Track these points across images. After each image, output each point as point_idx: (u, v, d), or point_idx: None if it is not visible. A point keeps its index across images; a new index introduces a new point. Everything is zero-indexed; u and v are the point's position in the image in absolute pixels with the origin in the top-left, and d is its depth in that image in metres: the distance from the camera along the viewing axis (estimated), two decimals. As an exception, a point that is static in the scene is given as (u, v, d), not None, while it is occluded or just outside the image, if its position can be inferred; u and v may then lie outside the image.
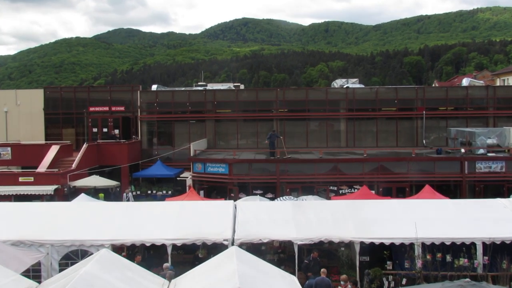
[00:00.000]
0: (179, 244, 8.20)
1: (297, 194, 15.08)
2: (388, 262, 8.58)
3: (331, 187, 16.12)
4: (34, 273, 7.55)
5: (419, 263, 8.00)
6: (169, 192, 19.04)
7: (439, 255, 8.02)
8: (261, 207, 9.50)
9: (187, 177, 17.90)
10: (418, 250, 8.16)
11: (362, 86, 26.76)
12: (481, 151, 16.43)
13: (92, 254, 6.84)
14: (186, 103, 22.27)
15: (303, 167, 16.41)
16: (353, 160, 16.68)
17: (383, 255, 8.41)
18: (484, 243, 8.14)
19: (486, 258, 8.01)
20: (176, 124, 22.33)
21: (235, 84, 39.80)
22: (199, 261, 7.79)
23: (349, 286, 7.41)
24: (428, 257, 8.04)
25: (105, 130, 21.73)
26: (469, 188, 15.80)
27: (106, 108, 22.59)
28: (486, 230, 8.36)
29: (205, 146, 21.06)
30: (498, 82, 33.75)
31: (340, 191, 15.98)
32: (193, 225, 8.43)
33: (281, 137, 18.09)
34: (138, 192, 18.80)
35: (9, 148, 19.00)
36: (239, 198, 14.32)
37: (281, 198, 12.93)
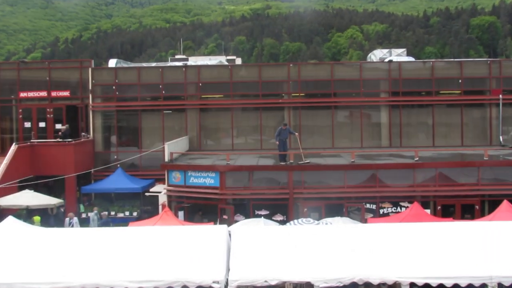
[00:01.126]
0: (149, 290, 7.31)
1: (318, 216, 15.34)
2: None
3: (368, 205, 16.36)
4: None
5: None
6: (135, 214, 19.71)
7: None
8: (266, 234, 9.15)
9: (160, 192, 18.21)
10: (493, 294, 7.61)
11: (412, 59, 27.44)
12: None
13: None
14: (158, 85, 22.77)
15: (327, 176, 16.52)
16: (399, 166, 16.79)
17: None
18: None
19: None
20: (145, 116, 22.83)
21: (229, 57, 39.94)
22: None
23: None
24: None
25: (58, 126, 21.97)
26: None
27: (44, 93, 22.76)
28: None
29: (186, 148, 21.60)
30: None
31: (381, 211, 16.26)
32: (169, 261, 8.15)
33: (296, 134, 18.12)
34: (89, 214, 18.88)
35: None
36: (235, 221, 14.61)
37: (295, 221, 13.01)
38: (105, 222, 17.23)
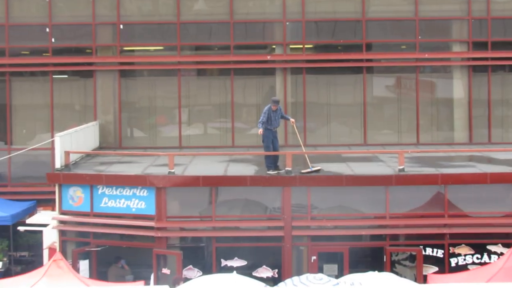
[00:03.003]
0: None
1: (338, 270, 15.67)
2: None
3: (429, 251, 15.96)
4: None
5: None
6: (-1, 266, 18.89)
7: None
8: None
9: (45, 226, 18.51)
10: None
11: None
12: None
13: None
14: (42, 28, 21.41)
15: (353, 197, 16.09)
16: (488, 179, 16.07)
17: None
18: None
19: None
20: (18, 85, 21.95)
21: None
22: None
23: None
24: None
25: None
26: None
27: None
28: None
29: (94, 143, 20.83)
30: None
31: (453, 261, 15.99)
32: None
33: (292, 120, 16.93)
34: None
35: None
36: (185, 278, 15.05)
37: (297, 280, 12.99)
38: None
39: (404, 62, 21.49)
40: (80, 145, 18.98)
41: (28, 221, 19.58)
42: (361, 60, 21.37)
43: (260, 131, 16.07)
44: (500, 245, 15.83)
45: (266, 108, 16.17)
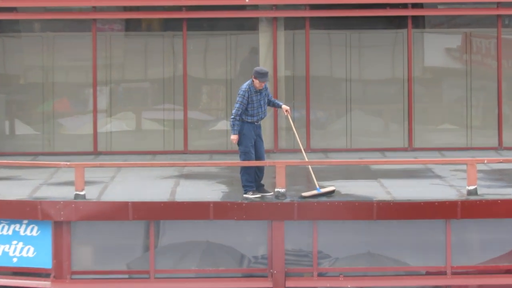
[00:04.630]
0: None
1: None
2: None
3: None
4: None
5: None
6: None
7: None
8: None
9: None
10: None
11: None
12: None
13: None
14: None
15: (386, 236, 14.91)
16: None
17: None
18: None
19: None
20: None
21: None
22: None
23: None
24: None
25: None
26: None
27: None
28: None
29: None
30: None
31: None
32: None
33: (286, 108, 15.29)
34: None
35: None
36: None
37: None
38: None
39: (476, 9, 20.01)
40: None
41: None
42: (404, 6, 19.62)
43: (234, 137, 14.44)
44: None
45: (244, 88, 14.44)
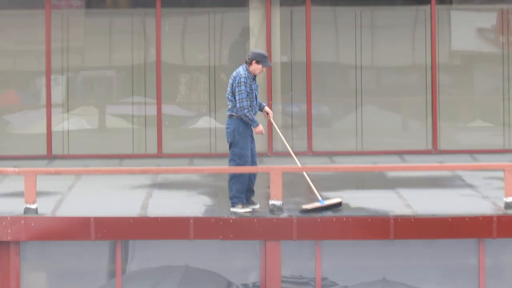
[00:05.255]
0: None
1: None
2: None
3: None
4: None
5: None
6: None
7: None
8: None
9: None
10: None
11: None
12: None
13: None
14: None
15: (406, 260, 14.86)
16: None
17: None
18: None
19: None
20: None
21: None
22: None
23: None
24: None
25: None
26: None
27: None
28: None
29: None
30: None
31: None
32: None
33: (269, 112, 15.00)
34: None
35: None
36: None
37: None
38: None
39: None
40: None
41: None
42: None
43: (261, 128, 14.00)
44: None
45: (243, 73, 13.85)
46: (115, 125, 19.74)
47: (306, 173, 14.42)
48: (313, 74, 18.69)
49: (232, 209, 13.46)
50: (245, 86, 13.83)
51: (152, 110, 18.90)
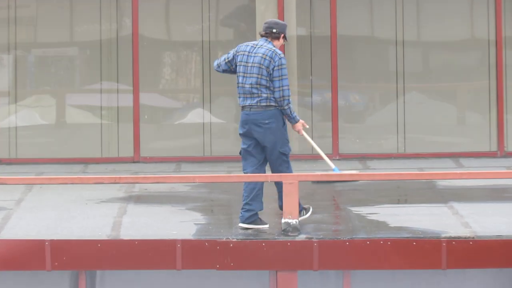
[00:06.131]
0: None
1: None
2: None
3: None
4: None
5: None
6: None
7: None
8: None
9: None
10: None
11: None
12: None
13: None
14: None
15: None
16: None
17: None
18: None
19: None
20: None
21: None
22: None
23: None
24: None
25: None
26: None
27: None
28: None
29: None
30: None
31: None
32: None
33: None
34: None
35: None
36: None
37: None
38: None
39: None
40: None
41: None
42: None
43: (298, 126, 12.86)
44: None
45: (279, 52, 12.70)
46: (78, 119, 18.64)
47: (312, 142, 13.32)
48: (340, 53, 17.76)
49: (240, 224, 12.11)
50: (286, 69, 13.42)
51: (126, 100, 17.91)
